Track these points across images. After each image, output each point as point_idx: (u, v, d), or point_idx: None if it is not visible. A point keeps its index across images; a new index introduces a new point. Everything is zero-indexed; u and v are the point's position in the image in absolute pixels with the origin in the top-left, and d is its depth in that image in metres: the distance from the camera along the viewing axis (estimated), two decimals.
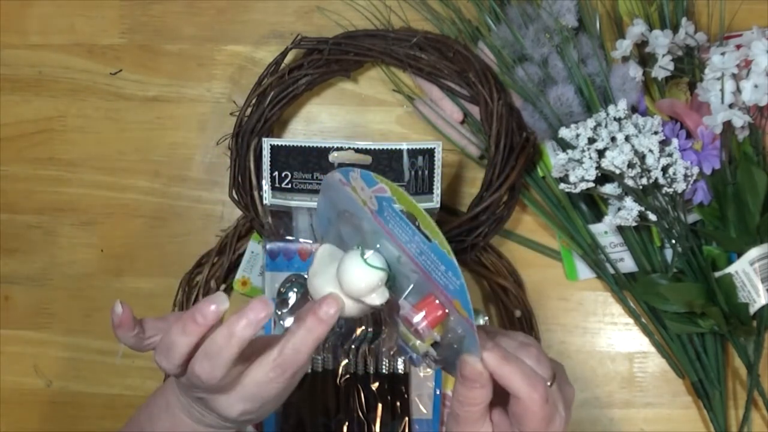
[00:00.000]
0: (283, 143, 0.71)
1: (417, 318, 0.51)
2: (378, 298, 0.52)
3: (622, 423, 0.77)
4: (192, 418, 0.55)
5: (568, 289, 0.78)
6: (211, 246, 0.78)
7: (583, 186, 0.69)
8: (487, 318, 0.76)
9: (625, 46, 0.72)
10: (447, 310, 0.51)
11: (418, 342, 0.52)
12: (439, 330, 0.52)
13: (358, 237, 0.55)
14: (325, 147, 0.71)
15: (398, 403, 0.72)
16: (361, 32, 0.77)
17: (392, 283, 0.54)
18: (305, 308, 0.52)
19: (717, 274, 0.71)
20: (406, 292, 0.53)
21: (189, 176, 0.80)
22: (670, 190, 0.69)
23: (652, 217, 0.70)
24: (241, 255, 0.77)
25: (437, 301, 0.51)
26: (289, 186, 0.72)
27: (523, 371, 0.48)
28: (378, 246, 0.54)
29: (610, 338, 0.78)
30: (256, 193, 0.73)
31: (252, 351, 0.51)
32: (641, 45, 0.74)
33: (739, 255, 0.71)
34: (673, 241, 0.72)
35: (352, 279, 0.52)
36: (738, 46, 0.69)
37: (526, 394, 0.48)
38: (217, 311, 0.49)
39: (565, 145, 0.71)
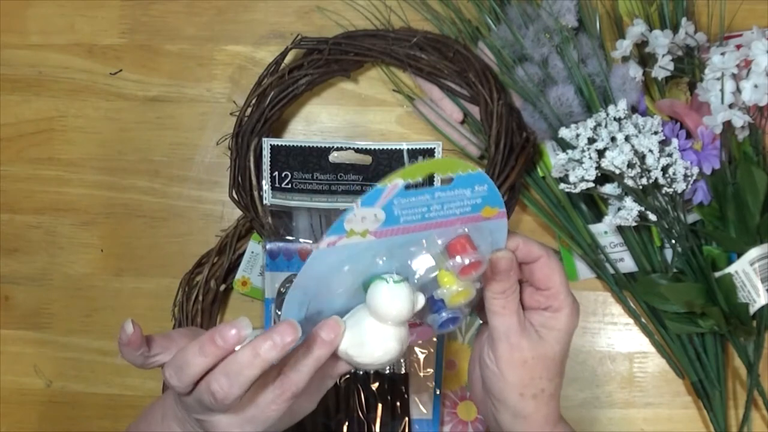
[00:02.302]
0: (283, 143, 0.71)
1: (461, 257, 0.53)
2: (420, 301, 0.53)
3: (622, 423, 0.77)
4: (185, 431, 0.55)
5: None
6: (211, 246, 0.78)
7: (583, 186, 0.69)
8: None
9: (625, 46, 0.72)
10: (468, 235, 0.54)
11: (464, 287, 0.53)
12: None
13: (358, 281, 0.55)
14: (325, 147, 0.71)
15: (398, 403, 0.72)
16: (361, 32, 0.77)
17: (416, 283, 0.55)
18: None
19: (717, 274, 0.71)
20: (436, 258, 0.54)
21: (189, 176, 0.80)
22: (670, 190, 0.69)
23: (652, 217, 0.70)
24: (241, 255, 0.77)
25: (459, 234, 0.54)
26: (289, 186, 0.72)
27: (533, 240, 0.56)
28: (384, 259, 0.54)
29: (610, 338, 0.78)
30: (256, 193, 0.73)
31: None
32: (641, 45, 0.74)
33: (739, 255, 0.71)
34: (673, 241, 0.72)
35: (394, 307, 0.52)
36: (738, 46, 0.69)
37: (545, 251, 0.55)
38: (238, 336, 0.49)
39: (565, 145, 0.71)
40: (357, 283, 0.54)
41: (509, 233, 0.56)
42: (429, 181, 0.64)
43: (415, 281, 0.54)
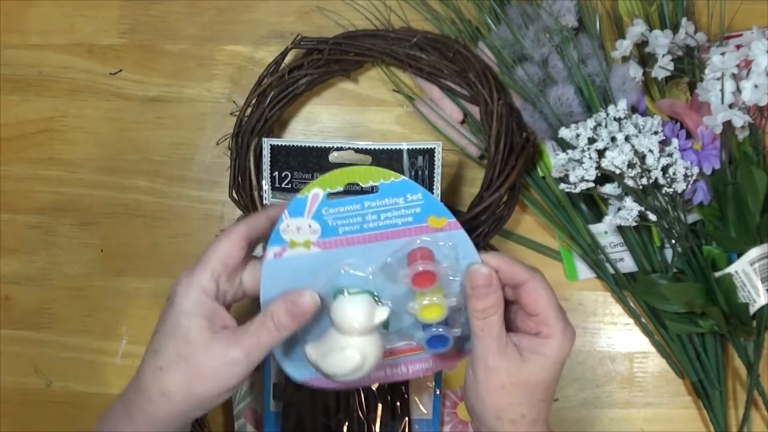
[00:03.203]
0: (283, 143, 0.71)
1: (412, 267, 0.54)
2: (382, 314, 0.54)
3: (622, 423, 0.77)
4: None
5: (568, 289, 0.78)
6: None
7: (583, 186, 0.69)
8: None
9: (625, 46, 0.72)
10: (429, 248, 0.55)
11: (432, 302, 0.54)
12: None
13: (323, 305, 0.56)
14: (325, 147, 0.71)
15: (398, 403, 0.72)
16: (361, 32, 0.77)
17: (380, 297, 0.56)
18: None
19: (717, 274, 0.71)
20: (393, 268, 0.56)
21: (189, 176, 0.80)
22: (670, 190, 0.69)
23: (652, 217, 0.70)
24: None
25: (418, 246, 0.55)
26: (289, 186, 0.72)
27: (519, 263, 0.55)
28: (343, 272, 0.56)
29: (610, 338, 0.78)
30: (256, 193, 0.73)
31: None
32: (641, 45, 0.74)
33: (739, 255, 0.71)
34: (673, 241, 0.72)
35: (348, 317, 0.54)
36: (738, 46, 0.69)
37: (531, 274, 0.54)
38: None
39: (565, 145, 0.71)
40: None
41: (491, 252, 0.56)
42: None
43: (375, 294, 0.56)
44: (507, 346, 0.54)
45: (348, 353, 0.53)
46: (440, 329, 0.55)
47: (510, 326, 0.56)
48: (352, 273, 0.56)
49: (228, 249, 0.56)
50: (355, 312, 0.54)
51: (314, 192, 0.54)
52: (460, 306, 0.56)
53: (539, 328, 0.55)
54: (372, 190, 0.54)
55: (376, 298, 0.56)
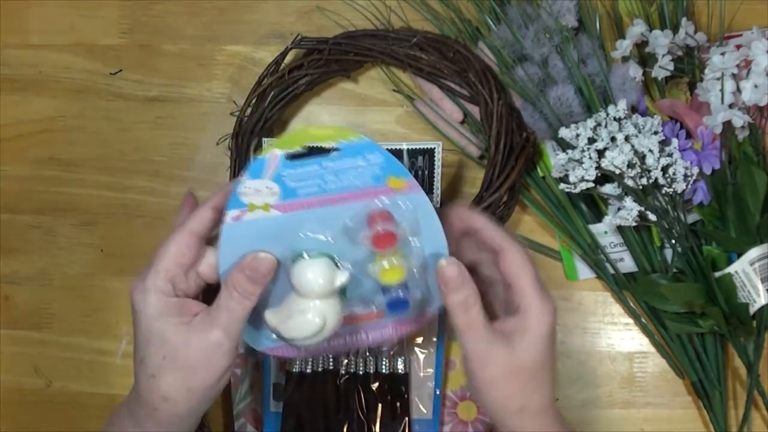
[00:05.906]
0: None
1: (372, 228, 0.54)
2: (342, 277, 0.54)
3: (622, 423, 0.77)
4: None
5: (568, 289, 0.78)
6: None
7: (583, 186, 0.69)
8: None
9: (625, 46, 0.72)
10: (388, 210, 0.54)
11: (392, 264, 0.54)
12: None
13: (283, 267, 0.56)
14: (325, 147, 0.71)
15: (398, 404, 0.72)
16: (361, 32, 0.77)
17: (339, 260, 0.56)
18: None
19: (717, 274, 0.71)
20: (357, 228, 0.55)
21: (189, 176, 0.80)
22: (670, 190, 0.69)
23: (652, 217, 0.70)
24: None
25: (378, 209, 0.55)
26: None
27: (495, 226, 0.54)
28: (302, 235, 0.55)
29: (610, 338, 0.78)
30: None
31: None
32: (641, 45, 0.74)
33: (739, 255, 0.71)
34: (673, 241, 0.72)
35: (307, 280, 0.54)
36: (738, 46, 0.69)
37: (509, 244, 0.54)
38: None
39: (565, 145, 0.71)
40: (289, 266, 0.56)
41: (460, 208, 0.55)
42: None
43: (335, 259, 0.55)
44: (494, 335, 0.53)
45: (308, 316, 0.53)
46: (400, 292, 0.55)
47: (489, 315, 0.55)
48: (312, 236, 0.55)
49: (179, 249, 0.56)
50: (315, 275, 0.53)
51: (273, 152, 0.54)
52: (420, 268, 0.56)
53: (517, 301, 0.53)
54: (331, 151, 0.54)
55: (336, 262, 0.55)
